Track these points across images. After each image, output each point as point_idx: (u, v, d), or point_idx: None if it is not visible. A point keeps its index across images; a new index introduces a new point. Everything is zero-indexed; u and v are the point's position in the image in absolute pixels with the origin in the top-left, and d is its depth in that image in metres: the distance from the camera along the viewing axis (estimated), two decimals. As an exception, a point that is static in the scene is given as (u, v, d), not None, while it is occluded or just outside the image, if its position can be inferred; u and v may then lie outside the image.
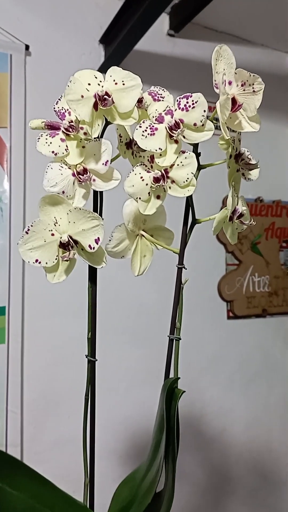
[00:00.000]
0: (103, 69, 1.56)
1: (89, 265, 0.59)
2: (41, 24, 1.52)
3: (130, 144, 0.62)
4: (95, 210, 0.61)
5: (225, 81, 0.51)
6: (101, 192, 0.60)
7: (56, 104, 0.57)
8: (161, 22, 1.72)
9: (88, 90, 0.53)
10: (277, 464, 1.93)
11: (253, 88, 0.50)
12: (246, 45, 1.96)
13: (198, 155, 0.58)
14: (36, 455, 1.43)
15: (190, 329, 1.74)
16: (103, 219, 0.61)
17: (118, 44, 1.48)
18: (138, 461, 1.60)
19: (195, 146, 0.58)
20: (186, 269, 0.60)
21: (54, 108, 0.57)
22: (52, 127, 0.56)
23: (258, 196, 1.91)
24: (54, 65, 1.53)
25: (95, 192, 0.60)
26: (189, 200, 0.59)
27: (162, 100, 0.57)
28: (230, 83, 0.51)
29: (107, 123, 0.58)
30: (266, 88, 0.50)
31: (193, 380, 1.72)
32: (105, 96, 0.52)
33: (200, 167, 0.59)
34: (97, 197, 0.60)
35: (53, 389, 1.47)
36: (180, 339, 0.59)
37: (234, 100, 0.51)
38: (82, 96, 0.52)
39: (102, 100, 0.52)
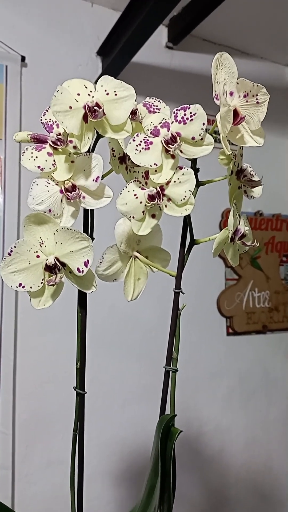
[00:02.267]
0: (100, 80, 1.53)
1: (78, 290, 0.55)
2: (38, 35, 1.49)
3: (123, 158, 0.57)
4: (85, 229, 0.56)
5: (226, 91, 0.47)
6: (92, 211, 0.56)
7: (43, 115, 0.53)
8: (159, 34, 1.70)
9: (77, 101, 0.48)
10: (277, 484, 1.86)
11: (257, 99, 0.46)
12: (245, 58, 1.94)
13: (196, 171, 0.54)
14: (27, 477, 1.37)
15: (188, 345, 1.69)
16: (94, 239, 0.57)
17: (115, 56, 1.45)
18: (133, 484, 1.54)
19: (194, 162, 0.54)
20: (183, 293, 0.55)
21: (41, 119, 0.52)
22: (38, 140, 0.52)
23: (257, 209, 1.87)
24: (50, 76, 1.49)
25: (85, 211, 0.56)
26: (187, 220, 0.55)
27: (158, 112, 0.53)
28: (231, 94, 0.47)
29: (99, 136, 0.54)
30: (266, 101, 0.46)
31: (190, 398, 1.67)
32: (95, 108, 0.47)
33: (198, 184, 0.54)
34: (88, 215, 0.56)
35: (46, 408, 1.41)
36: (177, 370, 0.54)
37: (236, 112, 0.47)
38: (71, 107, 0.48)
39: (92, 112, 0.48)
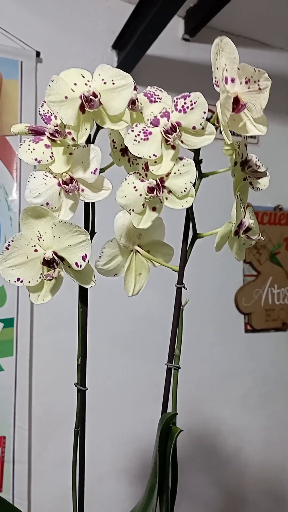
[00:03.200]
0: (115, 75, 1.52)
1: (79, 285, 0.54)
2: (52, 30, 1.48)
3: (126, 150, 0.56)
4: (86, 223, 0.55)
5: (226, 78, 0.45)
6: (93, 204, 0.55)
7: (41, 107, 0.52)
8: (175, 26, 1.67)
9: (73, 91, 0.47)
10: (293, 486, 1.83)
11: (258, 85, 0.44)
12: (265, 49, 1.89)
13: (199, 162, 0.52)
14: (43, 473, 1.38)
15: (204, 343, 1.67)
16: (95, 233, 0.56)
17: (130, 49, 1.44)
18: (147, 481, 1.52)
19: (196, 152, 0.52)
20: (186, 289, 0.54)
21: (39, 111, 0.51)
22: (36, 132, 0.51)
23: (277, 204, 1.83)
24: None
25: (86, 204, 0.55)
26: (189, 212, 0.53)
27: (159, 101, 0.51)
28: (233, 80, 0.45)
29: (99, 128, 0.53)
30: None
31: (206, 397, 1.64)
32: (91, 97, 0.46)
33: (201, 176, 0.52)
34: (89, 209, 0.55)
35: (62, 404, 1.41)
36: (179, 368, 0.53)
37: (237, 100, 0.44)
38: (66, 97, 0.46)
39: (88, 102, 0.46)
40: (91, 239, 0.55)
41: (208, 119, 0.48)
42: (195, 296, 1.62)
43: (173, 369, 0.53)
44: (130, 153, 0.55)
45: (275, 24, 1.74)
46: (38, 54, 1.44)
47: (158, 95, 0.52)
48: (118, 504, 1.48)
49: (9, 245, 0.50)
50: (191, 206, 0.51)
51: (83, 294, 0.55)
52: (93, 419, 1.47)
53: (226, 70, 0.45)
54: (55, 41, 1.49)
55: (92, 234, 0.55)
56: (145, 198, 0.50)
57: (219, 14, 1.51)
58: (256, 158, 0.53)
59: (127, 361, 1.50)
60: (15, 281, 0.50)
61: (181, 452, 1.63)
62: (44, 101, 0.51)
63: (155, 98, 0.52)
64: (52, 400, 1.40)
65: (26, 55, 1.43)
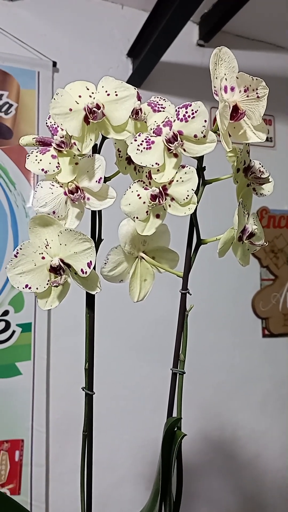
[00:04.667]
0: (131, 82, 1.54)
1: (86, 291, 0.55)
2: (68, 40, 1.52)
3: (131, 158, 0.57)
4: (93, 230, 0.56)
5: (225, 86, 0.45)
6: (100, 212, 0.56)
7: (48, 118, 0.53)
8: (190, 32, 1.68)
9: (78, 103, 0.49)
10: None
11: (257, 93, 0.44)
12: (281, 52, 1.88)
13: (203, 169, 0.53)
14: (61, 476, 1.39)
15: (221, 348, 1.66)
16: (102, 240, 0.57)
17: (144, 56, 1.45)
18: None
19: (200, 160, 0.52)
20: (190, 294, 0.54)
21: (46, 123, 0.53)
22: (43, 143, 0.52)
23: (295, 207, 1.81)
24: (81, 80, 1.51)
25: (93, 212, 0.56)
26: (193, 219, 0.54)
27: (163, 111, 0.52)
28: (232, 89, 0.46)
29: (104, 138, 0.54)
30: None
31: (224, 401, 1.64)
32: (95, 109, 0.47)
33: (205, 183, 0.53)
34: (95, 216, 0.56)
35: (79, 407, 1.43)
36: (184, 372, 0.53)
37: (236, 108, 0.45)
38: (71, 109, 0.48)
39: (91, 113, 0.48)
40: (98, 246, 0.56)
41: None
42: (213, 301, 1.63)
43: (178, 374, 0.53)
44: (136, 161, 0.56)
45: (290, 26, 1.73)
46: (54, 64, 1.47)
47: (161, 105, 0.53)
48: (138, 507, 1.48)
49: (17, 252, 0.52)
50: (195, 213, 0.52)
51: (90, 300, 0.56)
52: (111, 422, 1.48)
53: (226, 79, 0.45)
54: (71, 50, 1.52)
55: (99, 241, 0.57)
56: (148, 205, 0.51)
57: (233, 19, 1.52)
58: (259, 164, 0.53)
59: (144, 365, 1.50)
60: (23, 288, 0.52)
61: (200, 457, 1.63)
62: (51, 114, 0.53)
63: (158, 108, 0.53)
64: (69, 404, 1.41)
65: (43, 65, 1.46)
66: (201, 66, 1.73)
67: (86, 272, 0.50)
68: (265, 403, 1.71)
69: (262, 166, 0.53)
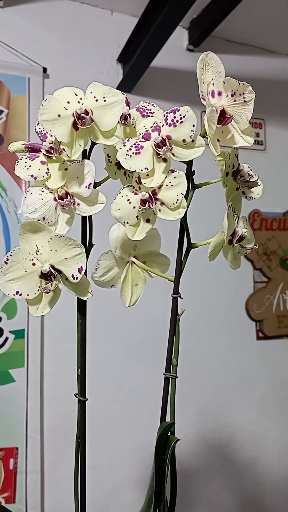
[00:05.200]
0: (121, 87, 1.54)
1: (77, 297, 0.55)
2: (59, 46, 1.52)
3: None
4: (83, 236, 0.56)
5: (213, 91, 0.46)
6: (90, 217, 0.56)
7: (37, 125, 0.53)
8: (180, 37, 1.69)
9: (66, 109, 0.49)
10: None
11: (244, 98, 0.45)
12: (270, 56, 1.89)
13: (192, 173, 0.53)
14: (58, 482, 1.38)
15: (217, 350, 1.66)
16: (93, 245, 0.57)
17: (134, 61, 1.46)
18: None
19: (189, 164, 0.53)
20: (182, 298, 0.54)
21: (35, 129, 0.53)
22: (33, 149, 0.52)
23: (286, 209, 1.82)
24: (72, 86, 1.52)
25: (83, 217, 0.56)
26: (183, 223, 0.54)
27: (151, 116, 0.53)
28: (219, 93, 0.46)
29: (94, 143, 0.54)
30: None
31: (221, 404, 1.63)
32: (83, 115, 0.48)
33: (194, 187, 0.53)
34: (86, 222, 0.56)
35: (74, 413, 1.42)
36: (176, 377, 0.53)
37: (224, 112, 0.45)
38: (59, 115, 0.48)
39: (80, 119, 0.48)
40: (89, 251, 0.56)
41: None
42: (207, 304, 1.63)
43: (171, 378, 0.53)
44: (126, 166, 0.56)
45: (279, 30, 1.75)
46: (45, 70, 1.47)
47: (150, 110, 0.53)
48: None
49: (8, 259, 0.52)
50: (185, 217, 0.52)
51: (81, 306, 0.56)
52: (109, 427, 1.47)
53: (213, 84, 0.46)
54: (62, 56, 1.52)
55: (90, 246, 0.57)
56: (138, 210, 0.51)
57: (222, 24, 1.53)
58: (248, 167, 0.53)
59: (141, 369, 1.50)
60: (14, 294, 0.52)
61: (198, 460, 1.62)
62: (39, 120, 0.53)
63: (147, 113, 0.53)
64: (64, 411, 1.41)
65: (34, 71, 1.46)
66: (192, 70, 1.73)
67: (77, 278, 0.50)
68: (263, 406, 1.71)
69: (251, 170, 0.54)
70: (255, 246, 0.53)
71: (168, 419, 0.53)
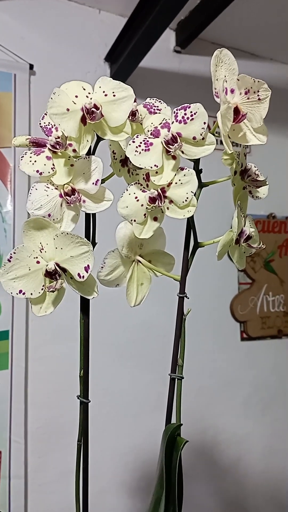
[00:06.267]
0: (108, 86, 1.53)
1: (80, 296, 0.53)
2: (46, 43, 1.50)
3: (125, 161, 0.56)
4: (87, 234, 0.55)
5: (226, 88, 0.45)
6: (94, 215, 0.55)
7: (42, 119, 0.52)
8: (167, 38, 1.69)
9: (75, 103, 0.48)
10: (296, 495, 1.82)
11: (258, 95, 0.44)
12: (255, 60, 1.92)
13: (199, 172, 0.52)
14: (41, 487, 1.36)
15: (201, 352, 1.66)
16: (96, 244, 0.56)
17: (122, 61, 1.45)
18: (148, 493, 1.53)
19: (196, 162, 0.52)
20: (188, 298, 0.54)
21: (39, 123, 0.52)
22: (37, 144, 0.51)
23: (270, 212, 1.84)
24: (58, 84, 1.47)
25: (87, 215, 0.55)
26: (190, 222, 0.53)
27: (159, 113, 0.52)
28: (232, 91, 0.46)
29: (99, 139, 0.53)
30: (277, 103, 0.44)
31: (205, 406, 1.63)
32: (93, 109, 0.46)
33: (202, 185, 0.53)
34: (89, 220, 0.55)
35: (59, 417, 1.40)
36: (182, 377, 0.52)
37: (237, 110, 0.45)
38: (68, 110, 0.47)
39: (90, 114, 0.47)
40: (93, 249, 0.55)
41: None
42: (192, 305, 1.63)
43: (176, 379, 0.53)
44: (130, 164, 0.55)
45: (264, 35, 1.77)
46: (31, 66, 1.45)
47: (157, 106, 0.53)
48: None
49: (11, 257, 0.50)
50: (192, 215, 0.51)
51: (85, 305, 0.55)
52: (92, 430, 1.45)
53: (226, 81, 0.45)
54: (48, 53, 1.50)
55: (93, 245, 0.55)
56: (146, 208, 0.50)
57: (210, 26, 1.54)
58: (255, 167, 0.53)
59: (126, 371, 1.49)
60: (17, 293, 0.50)
61: (182, 461, 1.62)
62: (45, 113, 0.51)
63: (154, 110, 0.53)
64: (48, 414, 1.38)
65: (20, 68, 1.44)
66: (178, 72, 1.74)
67: (83, 277, 0.49)
68: (246, 407, 1.72)
69: (257, 169, 0.53)
70: (262, 246, 0.52)
71: (174, 420, 0.53)
